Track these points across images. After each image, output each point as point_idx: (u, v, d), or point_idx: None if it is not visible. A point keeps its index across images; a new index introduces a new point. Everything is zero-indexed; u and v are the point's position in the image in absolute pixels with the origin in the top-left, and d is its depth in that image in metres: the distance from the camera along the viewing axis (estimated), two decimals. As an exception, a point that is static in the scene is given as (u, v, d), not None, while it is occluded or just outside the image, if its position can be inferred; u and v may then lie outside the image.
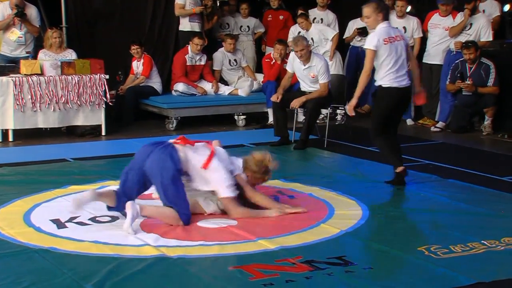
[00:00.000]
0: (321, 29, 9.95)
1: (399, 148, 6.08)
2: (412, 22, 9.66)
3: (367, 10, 5.72)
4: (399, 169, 5.93)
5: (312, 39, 9.84)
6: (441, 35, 9.42)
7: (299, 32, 9.70)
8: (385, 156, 6.08)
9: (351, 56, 10.43)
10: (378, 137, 5.96)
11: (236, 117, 9.71)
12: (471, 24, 9.13)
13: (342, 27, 10.36)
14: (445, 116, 9.26)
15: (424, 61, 9.54)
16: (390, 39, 5.72)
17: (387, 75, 5.74)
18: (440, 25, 9.43)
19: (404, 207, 5.47)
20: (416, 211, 5.44)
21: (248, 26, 10.95)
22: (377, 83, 5.86)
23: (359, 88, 5.73)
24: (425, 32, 9.64)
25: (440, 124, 9.28)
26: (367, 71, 5.70)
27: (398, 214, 5.32)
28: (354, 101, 5.79)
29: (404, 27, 9.54)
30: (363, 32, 10.17)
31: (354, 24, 10.35)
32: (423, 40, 9.67)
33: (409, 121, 9.74)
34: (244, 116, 9.69)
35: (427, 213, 5.37)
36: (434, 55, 9.50)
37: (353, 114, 5.94)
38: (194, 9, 9.97)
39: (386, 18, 5.75)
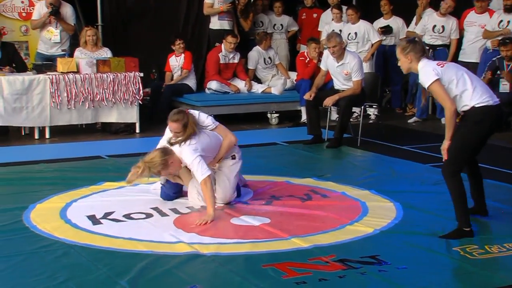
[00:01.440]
0: (368, 29, 9.87)
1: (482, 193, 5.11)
2: (452, 22, 9.56)
3: (397, 51, 4.88)
4: (467, 228, 4.74)
5: (355, 33, 9.80)
6: (477, 33, 9.31)
7: (333, 30, 9.66)
8: (454, 203, 4.80)
9: (378, 54, 10.36)
10: (456, 175, 4.71)
11: (269, 115, 9.71)
12: (508, 21, 8.98)
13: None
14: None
15: (460, 59, 9.43)
16: (440, 64, 4.80)
17: (474, 92, 4.70)
18: (476, 22, 9.32)
19: (439, 207, 5.40)
20: (451, 211, 5.35)
21: (281, 25, 10.95)
22: (465, 108, 4.75)
23: (449, 129, 4.71)
24: (461, 30, 9.53)
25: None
26: (448, 107, 4.66)
27: (433, 213, 5.26)
28: (446, 143, 4.71)
29: (443, 26, 9.47)
30: (386, 30, 10.12)
31: (377, 24, 10.31)
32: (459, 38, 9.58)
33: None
34: (277, 114, 9.68)
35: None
36: (470, 53, 9.39)
37: (447, 157, 4.75)
38: (222, 7, 10.02)
39: (421, 57, 4.76)
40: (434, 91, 4.69)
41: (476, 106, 4.70)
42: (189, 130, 5.19)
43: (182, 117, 5.19)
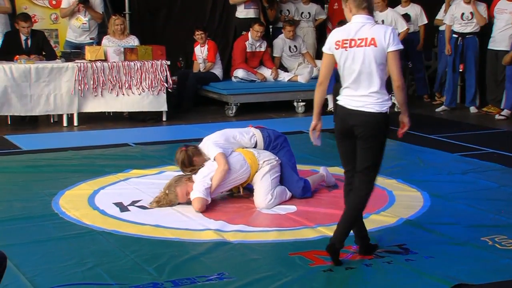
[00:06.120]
0: (396, 17, 9.78)
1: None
2: (481, 9, 9.42)
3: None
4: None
5: (382, 21, 9.72)
6: (507, 21, 9.16)
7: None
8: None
9: None
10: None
11: (295, 103, 9.68)
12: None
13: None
14: (510, 104, 9.01)
15: (489, 47, 9.31)
16: (345, 42, 3.93)
17: (344, 90, 4.11)
18: (506, 10, 9.18)
19: (467, 196, 5.35)
20: (479, 200, 5.31)
21: (309, 13, 10.87)
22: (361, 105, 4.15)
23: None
24: (491, 17, 9.40)
25: (506, 112, 9.03)
26: (320, 81, 4.15)
27: (461, 203, 5.21)
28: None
29: (471, 13, 9.37)
30: (404, 18, 9.98)
31: None
32: (489, 25, 9.43)
33: (473, 109, 9.54)
34: (304, 103, 9.65)
35: (492, 203, 5.23)
36: (500, 41, 9.24)
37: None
38: None
39: (361, 10, 3.94)
40: (323, 57, 4.19)
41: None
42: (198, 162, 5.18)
43: (177, 157, 5.22)
